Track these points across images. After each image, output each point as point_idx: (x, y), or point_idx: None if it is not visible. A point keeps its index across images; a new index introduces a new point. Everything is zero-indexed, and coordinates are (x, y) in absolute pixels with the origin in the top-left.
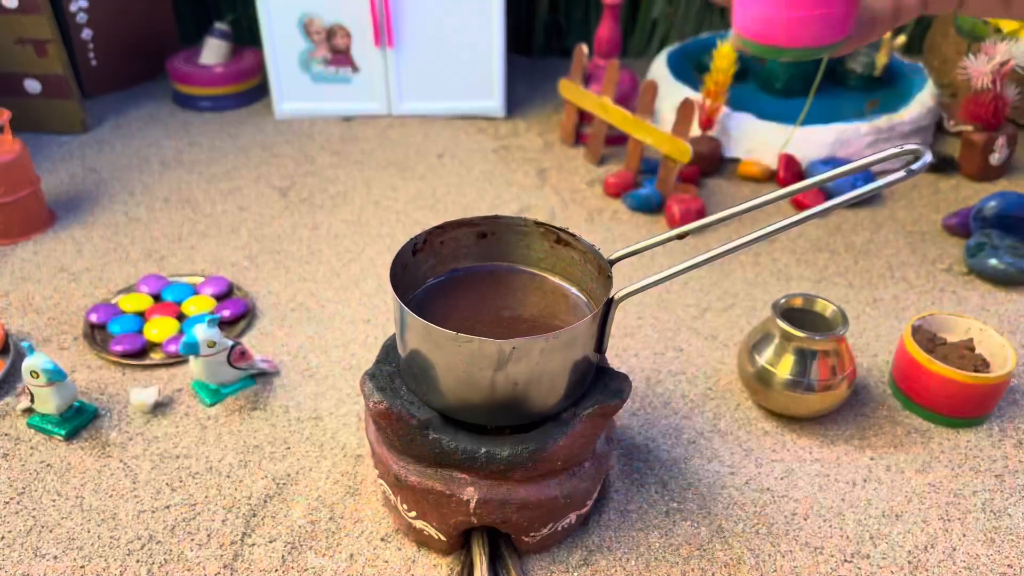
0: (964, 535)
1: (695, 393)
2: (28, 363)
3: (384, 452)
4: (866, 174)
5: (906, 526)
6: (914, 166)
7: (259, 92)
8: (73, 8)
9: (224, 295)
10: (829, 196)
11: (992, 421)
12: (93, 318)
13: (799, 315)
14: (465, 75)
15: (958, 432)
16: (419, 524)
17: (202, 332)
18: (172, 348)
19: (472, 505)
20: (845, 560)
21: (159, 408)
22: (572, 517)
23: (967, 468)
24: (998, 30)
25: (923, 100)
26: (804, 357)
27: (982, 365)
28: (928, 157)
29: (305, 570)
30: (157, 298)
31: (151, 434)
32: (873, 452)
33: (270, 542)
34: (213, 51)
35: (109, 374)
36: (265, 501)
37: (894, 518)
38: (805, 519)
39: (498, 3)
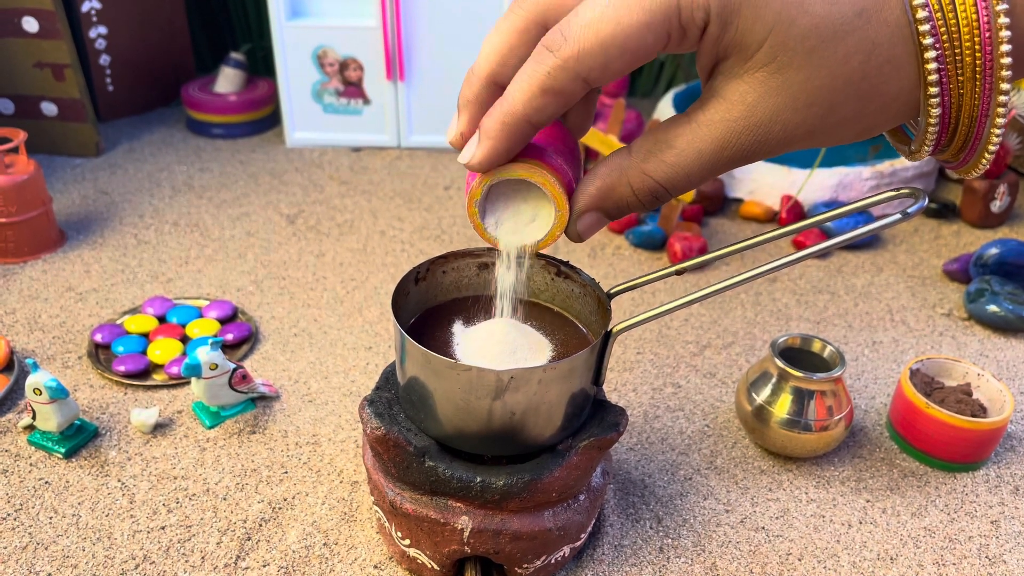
0: None
1: (692, 430)
2: (31, 380)
3: (380, 479)
4: (867, 217)
5: (900, 570)
6: (910, 209)
7: (271, 121)
8: (92, 34)
9: (228, 319)
10: (831, 238)
11: (989, 466)
12: (98, 338)
13: (797, 355)
14: None
15: (955, 477)
16: (413, 552)
17: (205, 354)
18: (175, 370)
19: (466, 534)
20: None
21: (159, 429)
22: (566, 550)
23: (963, 513)
24: None
25: None
26: (801, 396)
27: (980, 410)
28: (924, 201)
29: None
30: (162, 320)
31: (150, 454)
32: (869, 494)
33: (264, 566)
34: (228, 80)
35: (111, 394)
36: (260, 525)
37: (889, 561)
38: (799, 560)
39: None
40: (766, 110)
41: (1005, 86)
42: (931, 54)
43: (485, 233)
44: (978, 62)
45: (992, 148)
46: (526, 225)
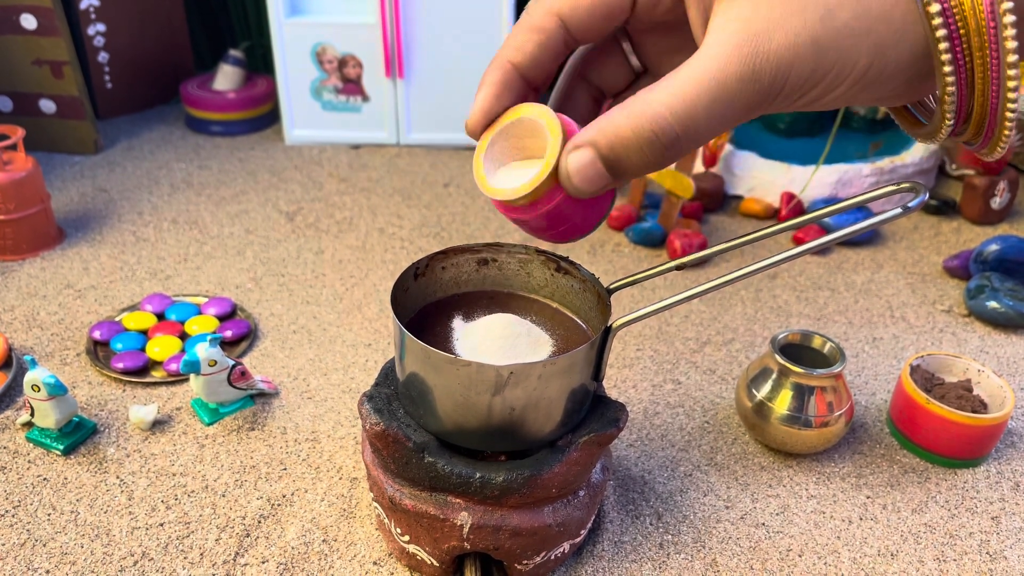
0: None
1: (692, 426)
2: (29, 376)
3: (380, 475)
4: (867, 213)
5: (901, 566)
6: (911, 203)
7: (270, 118)
8: (91, 31)
9: (227, 316)
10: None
11: (990, 463)
12: (96, 335)
13: (797, 351)
14: None
15: (955, 473)
16: (412, 548)
17: (203, 351)
18: (173, 366)
19: (465, 530)
20: None
21: (158, 425)
22: (566, 546)
23: (964, 509)
24: None
25: (926, 143)
26: (801, 393)
27: (980, 406)
28: (925, 195)
29: None
30: (161, 317)
31: (148, 451)
32: (870, 490)
33: (262, 562)
34: (226, 77)
35: (109, 390)
36: (259, 521)
37: (889, 557)
38: (800, 556)
39: None
40: (762, 18)
41: (1011, 40)
42: (938, 22)
43: (486, 186)
44: (980, 18)
45: (1011, 111)
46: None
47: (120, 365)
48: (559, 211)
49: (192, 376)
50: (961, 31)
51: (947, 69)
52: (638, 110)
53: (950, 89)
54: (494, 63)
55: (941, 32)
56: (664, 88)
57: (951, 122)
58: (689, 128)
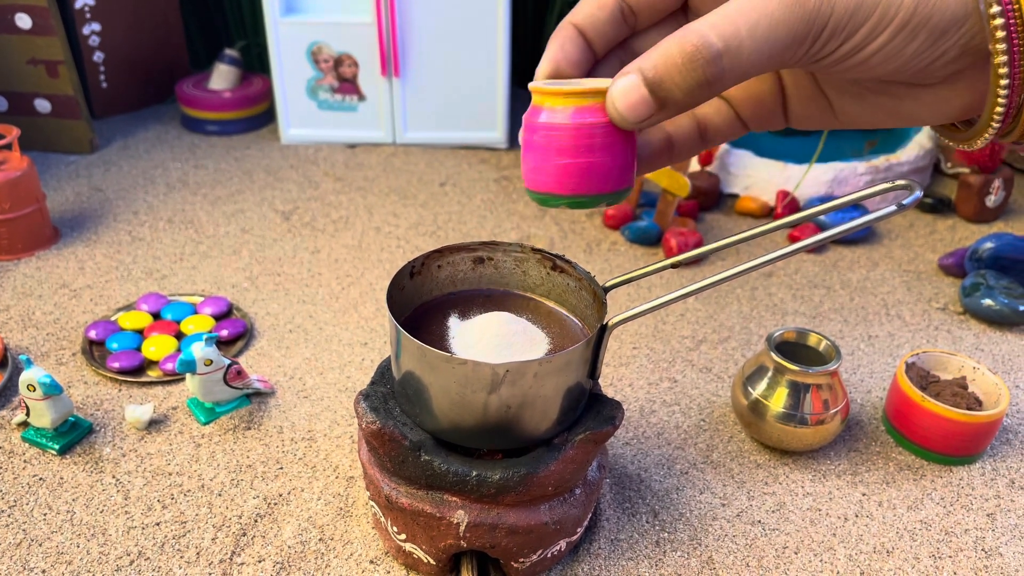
0: (955, 573)
1: (688, 424)
2: (25, 376)
3: (376, 473)
4: (862, 211)
5: (897, 563)
6: (905, 200)
7: (266, 118)
8: (86, 31)
9: (223, 315)
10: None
11: (985, 460)
12: (92, 334)
13: (793, 349)
14: (469, 106)
15: (951, 470)
16: (408, 547)
17: (199, 350)
18: (169, 366)
19: (462, 528)
20: None
21: (154, 425)
22: (562, 544)
23: (959, 506)
24: None
25: (920, 142)
26: (797, 390)
27: (975, 404)
28: (919, 192)
29: None
30: (156, 316)
31: (144, 451)
32: (865, 488)
33: (259, 562)
34: (222, 76)
35: (105, 390)
36: (256, 520)
37: (885, 554)
38: (796, 553)
39: (504, 37)
40: None
41: None
42: (999, 21)
43: (535, 84)
44: None
45: None
46: None
47: (116, 365)
48: (592, 134)
49: (188, 375)
50: (1017, 22)
51: (1001, 60)
52: (682, 32)
53: (1002, 79)
54: (559, 25)
55: (998, 21)
56: (710, 13)
57: (1001, 113)
58: (732, 45)
